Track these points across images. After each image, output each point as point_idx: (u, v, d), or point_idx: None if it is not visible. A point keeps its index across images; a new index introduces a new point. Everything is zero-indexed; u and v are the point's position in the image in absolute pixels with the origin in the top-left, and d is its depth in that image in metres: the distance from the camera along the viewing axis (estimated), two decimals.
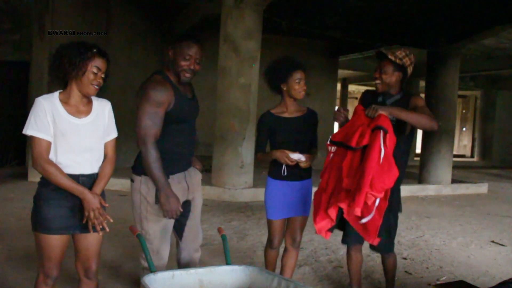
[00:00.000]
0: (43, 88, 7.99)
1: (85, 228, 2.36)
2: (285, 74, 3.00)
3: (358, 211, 2.66)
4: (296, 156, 2.97)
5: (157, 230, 2.63)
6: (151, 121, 2.45)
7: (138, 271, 2.80)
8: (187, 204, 2.77)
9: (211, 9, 8.41)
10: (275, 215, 3.15)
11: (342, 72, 15.63)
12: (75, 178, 2.31)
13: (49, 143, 2.25)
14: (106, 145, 2.45)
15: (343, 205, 2.74)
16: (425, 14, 9.36)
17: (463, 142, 22.59)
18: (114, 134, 2.49)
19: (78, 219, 2.34)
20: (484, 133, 19.38)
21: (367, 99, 3.15)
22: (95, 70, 2.26)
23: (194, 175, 2.81)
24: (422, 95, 13.20)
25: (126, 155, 10.34)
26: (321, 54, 12.56)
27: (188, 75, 2.58)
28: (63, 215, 2.30)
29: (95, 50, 2.27)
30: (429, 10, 9.15)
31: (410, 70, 3.03)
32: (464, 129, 22.81)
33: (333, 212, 2.81)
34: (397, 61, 2.98)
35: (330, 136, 2.96)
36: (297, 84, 2.99)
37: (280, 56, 3.15)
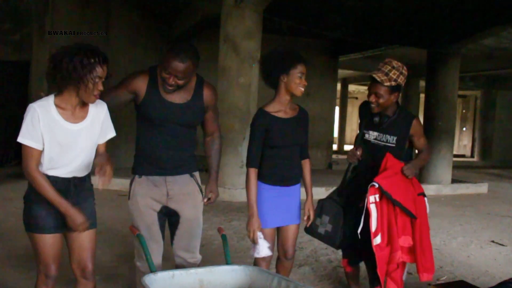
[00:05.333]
0: (43, 88, 7.99)
1: None
2: (288, 64, 2.69)
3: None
4: (263, 243, 2.78)
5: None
6: (109, 91, 2.52)
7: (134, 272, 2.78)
8: (174, 215, 2.68)
9: (211, 9, 8.40)
10: (266, 223, 2.81)
11: (342, 72, 15.62)
12: (68, 181, 2.31)
13: (39, 152, 2.22)
14: (99, 144, 2.42)
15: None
16: (425, 14, 9.36)
17: (463, 142, 22.58)
18: (111, 133, 2.47)
19: None
20: (484, 133, 19.38)
21: (365, 114, 3.08)
22: (97, 80, 2.20)
23: (183, 186, 2.65)
24: (422, 95, 13.20)
25: (126, 155, 10.38)
26: (321, 54, 12.55)
27: (169, 88, 2.48)
28: (55, 213, 2.28)
29: (97, 59, 2.18)
30: (429, 10, 9.15)
31: (403, 82, 2.90)
32: (464, 129, 22.80)
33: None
34: (392, 83, 2.81)
35: (375, 182, 2.81)
36: (299, 78, 2.69)
37: (280, 47, 2.84)
